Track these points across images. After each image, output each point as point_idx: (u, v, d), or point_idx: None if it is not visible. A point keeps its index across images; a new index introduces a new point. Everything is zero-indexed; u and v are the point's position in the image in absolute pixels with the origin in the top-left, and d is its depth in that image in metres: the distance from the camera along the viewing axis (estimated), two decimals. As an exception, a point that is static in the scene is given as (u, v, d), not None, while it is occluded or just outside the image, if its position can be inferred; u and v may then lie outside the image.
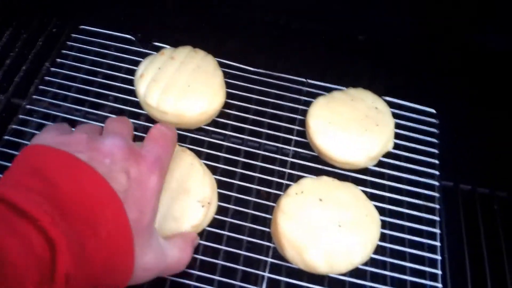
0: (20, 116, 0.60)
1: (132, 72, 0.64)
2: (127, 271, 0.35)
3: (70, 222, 0.31)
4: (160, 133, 0.44)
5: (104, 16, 0.76)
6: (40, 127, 0.60)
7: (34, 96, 0.62)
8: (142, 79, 0.59)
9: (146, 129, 0.61)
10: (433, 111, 0.65)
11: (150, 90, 0.58)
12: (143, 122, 0.61)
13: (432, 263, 0.54)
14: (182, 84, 0.58)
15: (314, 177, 0.54)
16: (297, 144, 0.62)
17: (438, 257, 0.53)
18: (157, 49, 0.66)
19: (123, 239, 0.34)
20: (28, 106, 0.61)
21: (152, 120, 0.61)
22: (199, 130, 0.61)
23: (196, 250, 0.51)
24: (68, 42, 0.67)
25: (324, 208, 0.50)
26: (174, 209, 0.48)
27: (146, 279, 0.40)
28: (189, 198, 0.49)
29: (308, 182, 0.52)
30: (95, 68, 0.65)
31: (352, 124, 0.58)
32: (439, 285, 0.52)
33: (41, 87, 0.63)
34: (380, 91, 0.64)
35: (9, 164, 0.54)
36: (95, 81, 0.64)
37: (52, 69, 0.65)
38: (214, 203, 0.53)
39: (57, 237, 0.30)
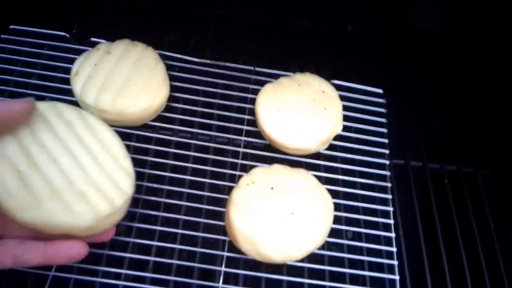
0: None
1: (69, 71, 0.60)
2: None
3: None
4: None
5: (36, 14, 0.72)
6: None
7: (-39, 104, 0.57)
8: (77, 77, 0.56)
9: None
10: (380, 91, 0.66)
11: (87, 88, 0.54)
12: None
13: (387, 241, 0.54)
14: (121, 79, 0.56)
15: (266, 165, 0.54)
16: (248, 133, 0.60)
17: (392, 235, 0.54)
18: (94, 45, 0.63)
19: None
20: (-45, 115, 0.56)
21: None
22: (145, 126, 0.59)
23: (149, 252, 0.49)
24: (-3, 44, 0.63)
25: (276, 197, 0.49)
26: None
27: None
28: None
29: (259, 172, 0.51)
30: (29, 70, 0.61)
31: (301, 109, 0.57)
32: (395, 262, 0.52)
33: (-31, 93, 0.58)
34: (327, 75, 0.64)
35: None
36: (29, 83, 0.60)
37: (-19, 73, 0.60)
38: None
39: None
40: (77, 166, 0.42)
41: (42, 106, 0.43)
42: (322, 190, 0.51)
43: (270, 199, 0.49)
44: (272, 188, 0.49)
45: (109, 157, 0.44)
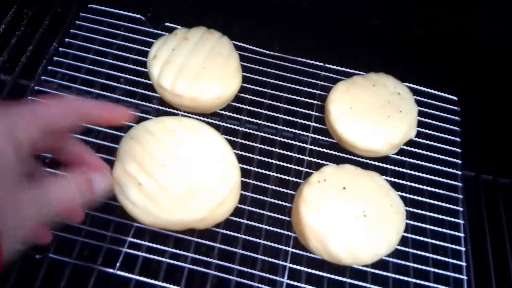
0: (29, 97, 0.57)
1: (143, 53, 0.62)
2: None
3: None
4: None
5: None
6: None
7: (42, 77, 0.59)
8: (155, 60, 0.56)
9: (158, 113, 0.59)
10: (455, 98, 0.63)
11: (164, 72, 0.55)
12: (155, 105, 0.59)
13: (456, 254, 0.52)
14: (197, 66, 0.56)
15: (335, 165, 0.53)
16: (315, 130, 0.60)
17: (462, 248, 0.52)
18: (168, 30, 0.63)
19: None
20: (36, 87, 0.58)
21: (165, 104, 0.59)
22: (214, 114, 0.59)
23: (215, 238, 0.50)
24: (76, 21, 0.64)
25: (348, 197, 0.48)
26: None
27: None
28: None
29: (331, 170, 0.50)
30: (105, 49, 0.63)
31: (374, 110, 0.56)
32: (464, 277, 0.50)
33: (49, 67, 0.60)
34: (397, 77, 0.62)
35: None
36: (105, 62, 0.62)
37: (61, 49, 0.62)
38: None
39: None
40: (184, 167, 0.47)
41: (148, 123, 0.50)
42: (394, 196, 0.50)
43: (342, 199, 0.48)
44: (344, 188, 0.48)
45: (212, 152, 0.48)
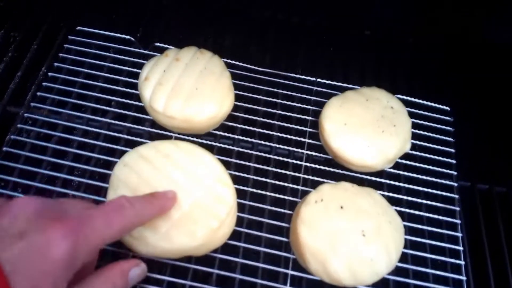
0: (19, 125, 0.56)
1: (134, 75, 0.61)
2: None
3: None
4: (116, 203, 0.38)
5: (101, 16, 0.72)
6: (39, 136, 0.57)
7: (32, 104, 0.58)
8: (147, 82, 0.56)
9: (150, 135, 0.58)
10: (447, 108, 0.63)
11: (156, 94, 0.54)
12: (148, 128, 0.58)
13: (456, 268, 0.52)
14: (189, 87, 0.55)
15: (332, 182, 0.52)
16: (310, 147, 0.59)
17: (462, 262, 0.52)
18: (159, 50, 0.63)
19: None
20: (26, 114, 0.57)
21: (158, 126, 0.58)
22: (207, 135, 0.59)
23: (212, 263, 0.49)
24: (65, 45, 0.64)
25: (346, 216, 0.47)
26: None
27: None
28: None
29: (327, 189, 0.50)
30: (95, 72, 0.62)
31: (369, 125, 0.56)
32: (466, 292, 0.50)
33: (39, 93, 0.59)
34: (389, 89, 0.62)
35: (9, 178, 0.52)
36: (96, 85, 0.61)
37: (50, 74, 0.61)
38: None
39: None
40: (180, 192, 0.46)
41: (142, 148, 0.49)
42: (392, 212, 0.49)
43: (340, 218, 0.47)
44: (341, 207, 0.48)
45: (208, 175, 0.48)
